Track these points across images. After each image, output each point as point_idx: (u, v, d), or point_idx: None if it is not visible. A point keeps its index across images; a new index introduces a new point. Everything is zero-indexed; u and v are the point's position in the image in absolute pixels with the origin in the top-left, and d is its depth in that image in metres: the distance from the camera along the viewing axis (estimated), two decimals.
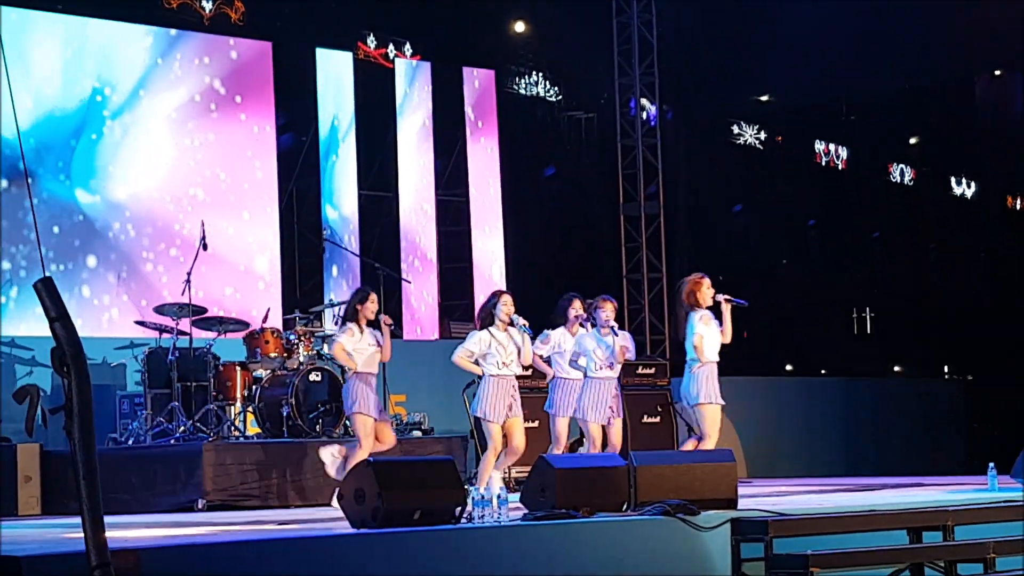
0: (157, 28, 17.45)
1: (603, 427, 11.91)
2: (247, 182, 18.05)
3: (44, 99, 16.41)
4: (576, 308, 12.08)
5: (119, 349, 14.78)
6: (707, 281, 11.91)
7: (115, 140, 16.90)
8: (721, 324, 11.82)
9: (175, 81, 17.48)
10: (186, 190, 17.41)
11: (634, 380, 15.45)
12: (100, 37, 16.97)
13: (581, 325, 11.99)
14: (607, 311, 11.94)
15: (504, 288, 11.93)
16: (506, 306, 11.44)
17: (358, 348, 11.59)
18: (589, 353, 11.91)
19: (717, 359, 11.81)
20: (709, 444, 11.60)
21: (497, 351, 11.31)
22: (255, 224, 18.04)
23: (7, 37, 15.82)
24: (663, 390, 16.05)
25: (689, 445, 11.83)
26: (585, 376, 11.95)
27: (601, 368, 11.89)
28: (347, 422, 12.56)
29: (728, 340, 11.87)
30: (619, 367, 11.96)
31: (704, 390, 11.69)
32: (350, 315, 11.67)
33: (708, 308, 11.84)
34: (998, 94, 36.72)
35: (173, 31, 17.58)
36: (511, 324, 11.41)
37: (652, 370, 15.88)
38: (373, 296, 11.75)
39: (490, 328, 11.39)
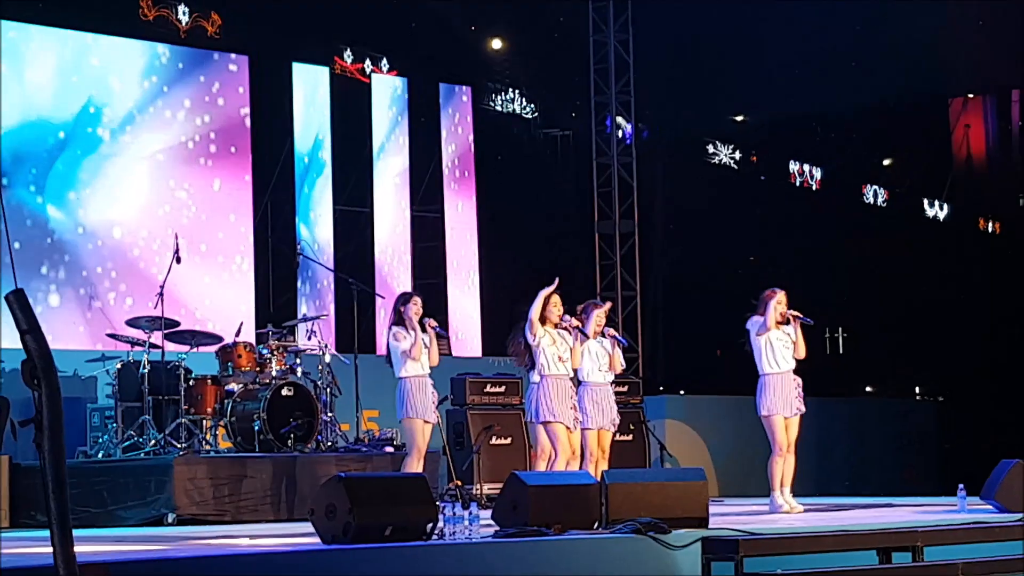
0: (155, 50, 17.43)
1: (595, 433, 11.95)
2: (222, 197, 18.04)
3: (29, 109, 16.39)
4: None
5: (90, 362, 14.73)
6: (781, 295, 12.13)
7: (97, 164, 16.86)
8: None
9: (164, 116, 17.49)
10: (162, 218, 17.39)
11: None
12: (98, 54, 16.94)
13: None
14: (600, 316, 12.04)
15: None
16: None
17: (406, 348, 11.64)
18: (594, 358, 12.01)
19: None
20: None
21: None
22: (228, 238, 18.01)
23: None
24: (636, 408, 16.07)
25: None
26: (583, 383, 12.00)
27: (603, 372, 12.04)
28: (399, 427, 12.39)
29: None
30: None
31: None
32: (396, 320, 11.69)
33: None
34: (971, 117, 36.86)
35: (162, 48, 17.55)
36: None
37: (625, 388, 15.88)
38: (416, 299, 11.84)
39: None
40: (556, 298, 11.77)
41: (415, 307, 11.73)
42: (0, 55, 15.97)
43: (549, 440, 11.61)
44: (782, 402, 12.01)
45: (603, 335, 12.02)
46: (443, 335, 11.94)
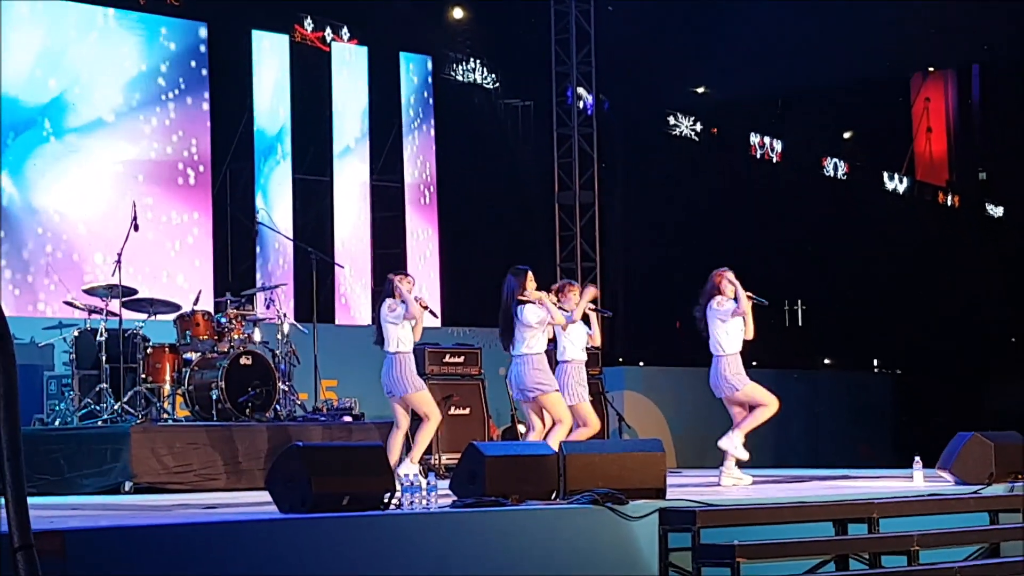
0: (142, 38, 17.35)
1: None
2: (180, 163, 17.96)
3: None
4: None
5: (47, 329, 14.65)
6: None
7: (59, 150, 16.80)
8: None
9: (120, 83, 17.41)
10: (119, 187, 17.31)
11: None
12: (77, 38, 16.88)
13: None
14: (576, 295, 12.03)
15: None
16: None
17: (396, 321, 11.70)
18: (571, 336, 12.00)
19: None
20: None
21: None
22: (188, 206, 17.94)
23: None
24: (595, 379, 16.08)
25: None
26: (561, 362, 11.99)
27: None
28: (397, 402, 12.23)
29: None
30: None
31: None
32: (388, 292, 11.72)
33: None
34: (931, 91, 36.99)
35: (135, 22, 17.46)
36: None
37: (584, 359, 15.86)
38: (409, 277, 11.95)
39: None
40: (530, 274, 11.74)
41: (408, 284, 11.75)
42: None
43: (571, 414, 11.64)
44: (744, 374, 12.05)
45: (588, 311, 12.02)
46: (434, 315, 11.95)
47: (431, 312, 12.01)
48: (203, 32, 18.27)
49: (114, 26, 17.58)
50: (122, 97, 17.52)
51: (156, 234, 17.36)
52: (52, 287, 16.43)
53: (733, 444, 11.98)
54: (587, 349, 12.19)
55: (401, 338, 11.70)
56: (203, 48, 18.25)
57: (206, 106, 18.26)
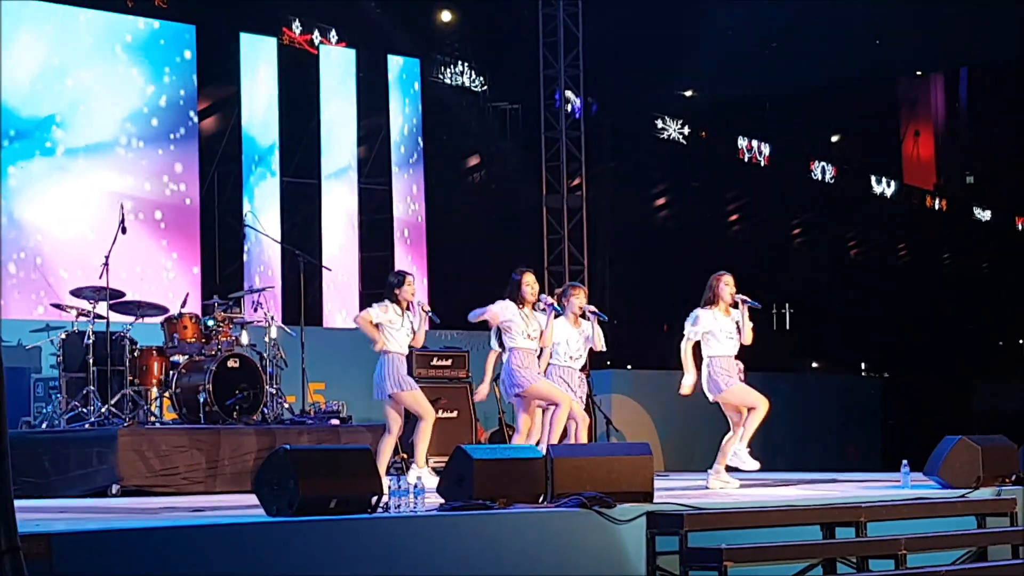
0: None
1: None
2: (168, 164, 17.95)
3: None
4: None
5: (35, 332, 14.61)
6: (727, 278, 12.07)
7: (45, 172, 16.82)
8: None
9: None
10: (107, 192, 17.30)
11: None
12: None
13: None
14: (580, 298, 11.98)
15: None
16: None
17: (391, 324, 11.55)
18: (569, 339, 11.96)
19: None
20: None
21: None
22: (175, 208, 17.92)
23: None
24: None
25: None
26: (553, 364, 11.95)
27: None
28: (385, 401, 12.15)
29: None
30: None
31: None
32: (389, 297, 11.64)
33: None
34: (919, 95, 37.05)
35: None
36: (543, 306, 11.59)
37: None
38: (410, 279, 11.74)
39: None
40: (531, 278, 11.72)
41: (408, 287, 11.65)
42: None
43: (536, 403, 11.61)
44: (732, 377, 12.01)
45: (583, 316, 11.95)
46: (435, 320, 11.84)
47: (432, 319, 11.88)
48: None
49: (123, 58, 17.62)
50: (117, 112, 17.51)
51: (143, 236, 17.32)
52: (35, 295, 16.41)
53: (740, 459, 12.00)
54: (575, 357, 12.04)
55: (391, 338, 11.65)
56: (188, 53, 18.23)
57: (193, 113, 18.23)
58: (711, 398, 12.06)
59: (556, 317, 11.75)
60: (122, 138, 17.57)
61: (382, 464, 11.38)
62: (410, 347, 11.99)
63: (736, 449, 12.02)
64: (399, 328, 11.63)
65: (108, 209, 16.23)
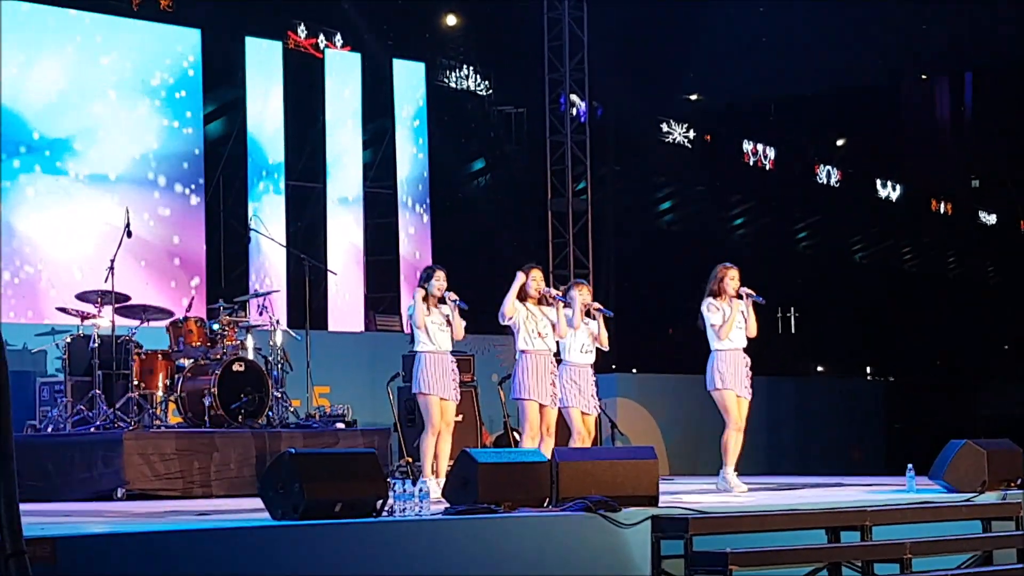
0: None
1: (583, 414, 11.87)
2: (173, 170, 17.96)
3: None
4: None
5: (40, 335, 14.63)
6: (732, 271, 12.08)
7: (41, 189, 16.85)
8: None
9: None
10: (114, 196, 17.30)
11: None
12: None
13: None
14: (585, 295, 11.95)
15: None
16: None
17: (432, 322, 11.40)
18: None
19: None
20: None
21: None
22: (181, 212, 17.93)
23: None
24: None
25: None
26: (564, 361, 11.90)
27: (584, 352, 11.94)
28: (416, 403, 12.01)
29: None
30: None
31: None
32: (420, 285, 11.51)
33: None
34: (923, 98, 37.02)
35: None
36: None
37: None
38: (439, 273, 11.51)
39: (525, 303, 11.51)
40: (538, 273, 11.69)
41: (438, 282, 11.47)
42: None
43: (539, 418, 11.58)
44: (733, 378, 12.01)
45: (588, 314, 11.93)
46: (464, 308, 11.61)
47: (460, 307, 11.60)
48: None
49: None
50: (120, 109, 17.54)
51: (149, 240, 17.33)
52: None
53: (728, 483, 12.00)
54: (585, 351, 12.00)
55: (419, 338, 11.51)
56: (192, 57, 18.24)
57: (199, 116, 18.25)
58: (708, 389, 12.10)
59: (565, 304, 11.70)
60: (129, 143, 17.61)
61: (425, 464, 11.34)
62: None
63: (724, 472, 12.06)
64: (432, 323, 11.46)
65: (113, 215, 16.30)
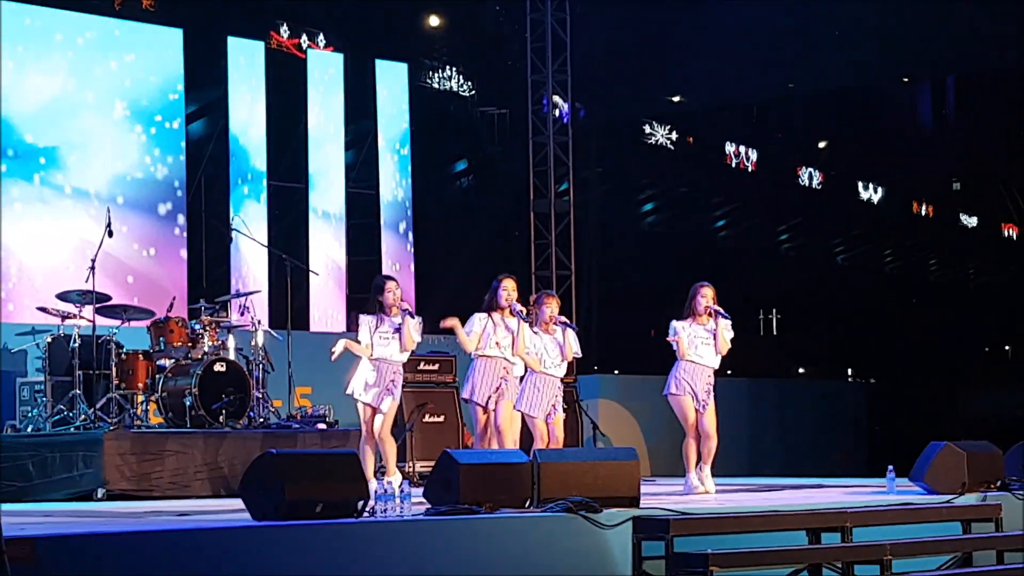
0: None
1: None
2: (153, 169, 17.94)
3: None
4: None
5: (20, 335, 14.59)
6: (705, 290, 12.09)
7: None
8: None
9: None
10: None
11: None
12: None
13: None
14: (552, 307, 11.90)
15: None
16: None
17: (379, 334, 11.22)
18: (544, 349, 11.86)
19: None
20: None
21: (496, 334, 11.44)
22: (162, 212, 17.90)
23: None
24: (569, 387, 16.07)
25: None
26: (531, 372, 11.85)
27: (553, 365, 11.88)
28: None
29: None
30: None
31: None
32: (373, 307, 11.24)
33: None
34: (906, 101, 37.09)
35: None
36: (511, 312, 11.46)
37: None
38: (390, 284, 11.24)
39: (492, 313, 11.45)
40: (510, 283, 11.63)
41: (390, 293, 11.17)
42: None
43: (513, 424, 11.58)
44: (689, 385, 12.01)
45: (555, 325, 11.89)
46: (411, 315, 11.43)
47: (408, 313, 11.52)
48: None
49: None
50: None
51: (130, 240, 17.31)
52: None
53: (692, 487, 12.03)
54: (553, 364, 11.94)
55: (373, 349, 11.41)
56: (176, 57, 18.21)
57: (180, 122, 18.23)
58: (664, 394, 12.16)
59: (526, 322, 11.65)
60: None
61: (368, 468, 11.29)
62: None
63: (687, 478, 12.10)
64: (380, 335, 11.33)
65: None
